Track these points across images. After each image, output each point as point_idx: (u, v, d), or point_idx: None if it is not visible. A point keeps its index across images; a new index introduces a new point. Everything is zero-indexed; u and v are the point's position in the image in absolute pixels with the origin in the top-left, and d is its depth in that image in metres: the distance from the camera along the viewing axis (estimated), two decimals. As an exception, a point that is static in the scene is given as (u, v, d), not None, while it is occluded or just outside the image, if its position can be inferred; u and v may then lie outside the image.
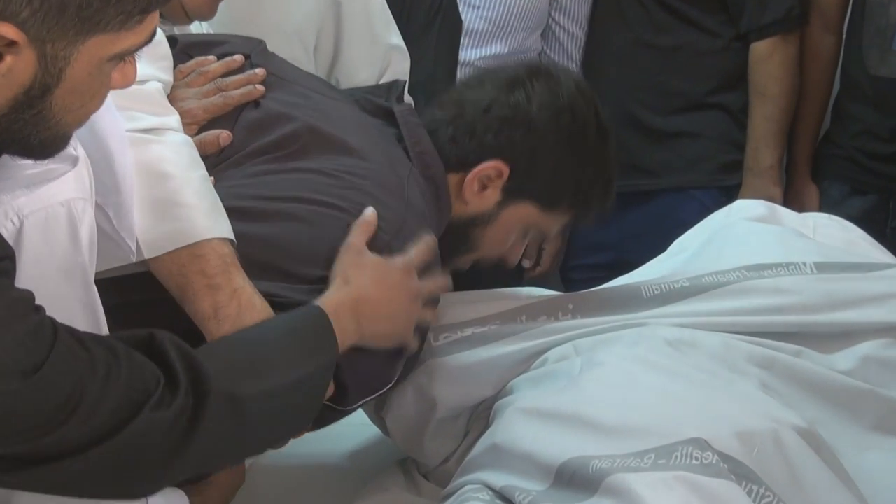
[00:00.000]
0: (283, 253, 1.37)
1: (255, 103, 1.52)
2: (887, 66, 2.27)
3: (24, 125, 1.05)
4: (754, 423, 1.30)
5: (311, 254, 1.37)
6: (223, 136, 1.48)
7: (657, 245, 1.81)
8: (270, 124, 1.49)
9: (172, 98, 1.47)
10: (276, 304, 1.33)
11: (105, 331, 1.21)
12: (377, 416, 1.56)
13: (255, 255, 1.35)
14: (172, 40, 1.55)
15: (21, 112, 1.03)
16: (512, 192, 1.57)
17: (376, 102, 1.61)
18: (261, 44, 1.63)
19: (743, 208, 1.82)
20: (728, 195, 2.32)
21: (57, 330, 1.05)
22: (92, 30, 1.01)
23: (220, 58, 1.57)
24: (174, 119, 1.39)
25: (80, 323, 1.16)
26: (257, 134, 1.49)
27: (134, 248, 1.27)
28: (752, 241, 1.66)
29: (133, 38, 1.05)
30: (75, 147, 1.16)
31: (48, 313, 1.06)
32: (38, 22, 0.98)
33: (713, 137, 2.43)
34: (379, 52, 2.03)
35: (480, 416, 1.52)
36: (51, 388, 1.02)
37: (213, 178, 1.40)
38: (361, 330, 1.33)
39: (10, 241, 1.09)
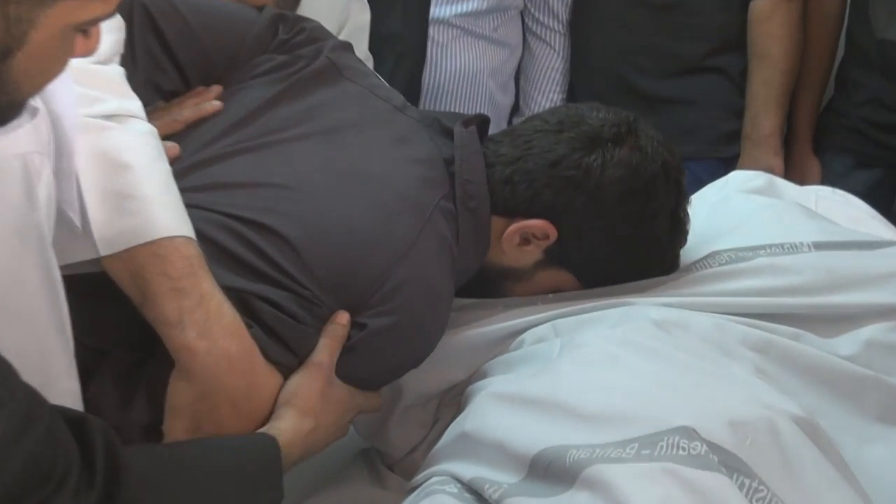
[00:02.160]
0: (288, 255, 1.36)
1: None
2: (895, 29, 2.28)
3: None
4: (747, 411, 1.29)
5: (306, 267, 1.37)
6: (169, 147, 1.46)
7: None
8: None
9: None
10: (258, 307, 1.33)
11: (63, 302, 1.19)
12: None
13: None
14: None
15: None
16: (554, 257, 1.53)
17: (443, 123, 1.57)
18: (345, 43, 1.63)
19: (739, 180, 1.83)
20: (726, 167, 2.32)
21: None
22: None
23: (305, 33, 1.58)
24: (137, 105, 1.37)
25: (36, 291, 1.15)
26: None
27: (78, 222, 1.25)
28: (747, 217, 1.67)
29: (102, 7, 1.04)
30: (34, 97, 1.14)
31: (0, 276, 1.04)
32: None
33: (711, 104, 2.45)
34: (340, 3, 2.03)
35: (451, 402, 1.52)
36: None
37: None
38: (304, 455, 1.35)
39: None
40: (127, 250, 1.26)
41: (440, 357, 1.49)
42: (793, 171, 2.49)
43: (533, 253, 1.53)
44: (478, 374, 1.49)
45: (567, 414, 1.29)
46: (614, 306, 1.52)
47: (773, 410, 1.30)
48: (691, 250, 1.61)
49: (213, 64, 1.55)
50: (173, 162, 1.43)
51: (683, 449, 1.22)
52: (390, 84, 1.70)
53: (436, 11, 2.39)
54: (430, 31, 2.38)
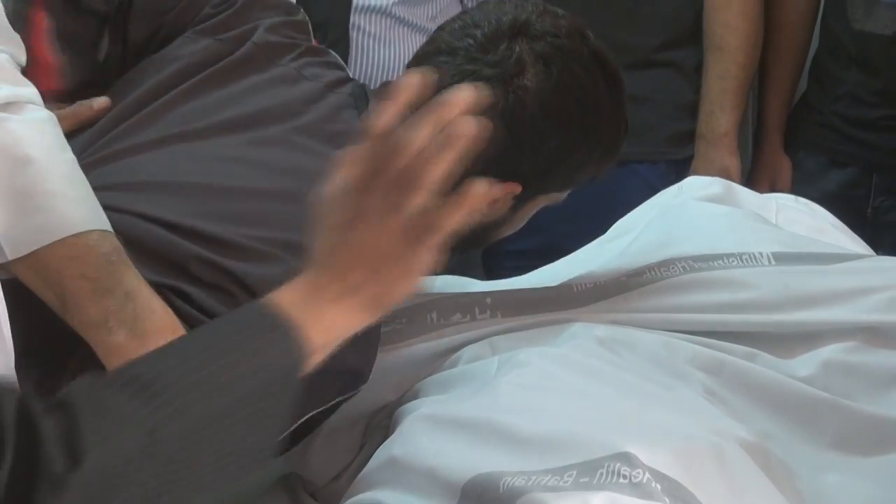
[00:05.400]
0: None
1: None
2: (874, 20, 2.34)
3: None
4: (693, 437, 1.34)
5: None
6: (102, 101, 1.52)
7: (594, 229, 1.87)
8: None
9: None
10: (177, 305, 1.35)
11: (3, 312, 1.20)
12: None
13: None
14: None
15: None
16: (526, 197, 1.59)
17: (368, 94, 1.62)
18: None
19: (694, 186, 1.88)
20: (678, 171, 2.37)
21: None
22: None
23: None
24: (31, 91, 1.39)
25: None
26: None
27: None
28: (702, 226, 1.71)
29: None
30: None
31: None
32: None
33: (662, 102, 2.46)
34: None
35: (379, 424, 1.55)
36: None
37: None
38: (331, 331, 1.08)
39: None
40: (36, 256, 1.28)
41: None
42: (762, 171, 2.55)
43: (503, 206, 1.57)
44: (409, 395, 1.54)
45: (502, 438, 1.33)
46: (558, 322, 1.57)
47: (721, 436, 1.35)
48: (642, 258, 1.66)
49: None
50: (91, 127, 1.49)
51: (624, 476, 1.26)
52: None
53: None
54: (355, 18, 2.38)
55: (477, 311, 1.60)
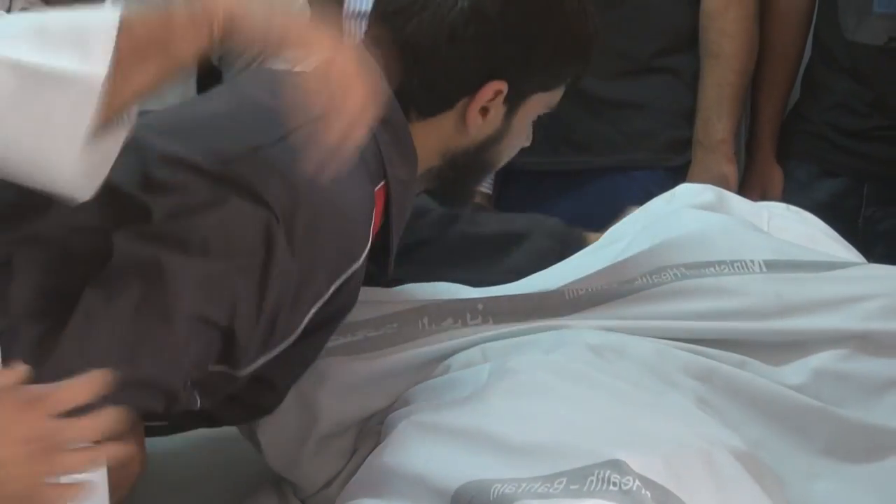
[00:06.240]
0: None
1: None
2: (866, 31, 2.35)
3: None
4: (684, 444, 1.35)
5: None
6: None
7: (591, 234, 1.87)
8: None
9: None
10: None
11: None
12: (248, 431, 1.58)
13: None
14: None
15: None
16: (516, 99, 1.60)
17: None
18: None
19: (687, 194, 1.88)
20: (676, 177, 2.35)
21: None
22: None
23: None
24: None
25: None
26: None
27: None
28: (695, 233, 1.72)
29: None
30: None
31: None
32: None
33: (660, 108, 2.45)
34: None
35: (371, 431, 1.55)
36: None
37: None
38: None
39: None
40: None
41: (359, 382, 1.54)
42: (754, 180, 2.55)
43: (497, 113, 1.59)
44: (400, 401, 1.54)
45: (492, 445, 1.34)
46: (549, 329, 1.58)
47: (712, 443, 1.36)
48: (634, 265, 1.67)
49: None
50: None
51: (615, 484, 1.26)
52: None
53: (354, 3, 2.40)
54: (345, 24, 2.38)
55: (469, 316, 1.61)
